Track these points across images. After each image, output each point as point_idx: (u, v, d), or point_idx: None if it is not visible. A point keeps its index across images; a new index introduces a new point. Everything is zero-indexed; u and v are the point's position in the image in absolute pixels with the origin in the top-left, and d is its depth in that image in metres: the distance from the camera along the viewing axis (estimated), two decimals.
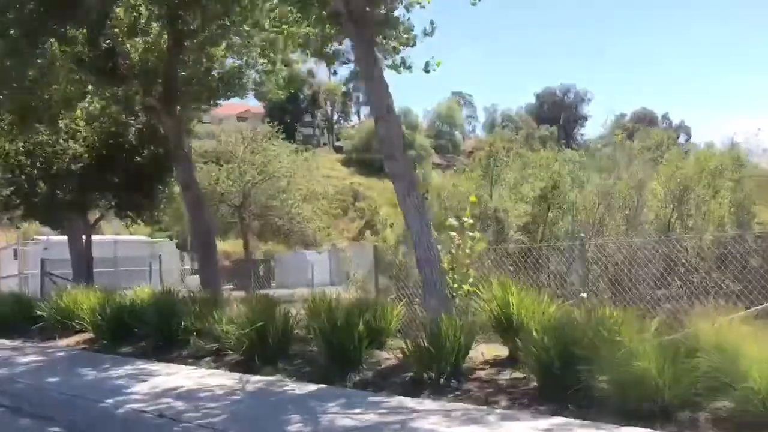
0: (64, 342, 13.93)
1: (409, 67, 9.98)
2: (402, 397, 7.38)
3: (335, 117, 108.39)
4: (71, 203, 17.04)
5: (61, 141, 16.76)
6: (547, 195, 22.98)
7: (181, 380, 9.04)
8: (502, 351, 8.83)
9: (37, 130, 16.40)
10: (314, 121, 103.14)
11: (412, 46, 10.16)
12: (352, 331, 8.94)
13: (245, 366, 9.69)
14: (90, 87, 14.44)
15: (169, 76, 13.30)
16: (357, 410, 6.91)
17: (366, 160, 73.75)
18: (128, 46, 13.14)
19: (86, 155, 16.64)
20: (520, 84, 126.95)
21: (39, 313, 14.78)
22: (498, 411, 6.58)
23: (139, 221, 19.13)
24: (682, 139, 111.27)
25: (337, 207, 49.76)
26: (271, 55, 12.46)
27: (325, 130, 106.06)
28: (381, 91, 9.42)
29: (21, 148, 16.71)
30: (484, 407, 6.78)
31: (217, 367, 10.08)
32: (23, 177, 16.31)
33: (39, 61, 13.17)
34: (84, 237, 18.74)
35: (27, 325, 15.31)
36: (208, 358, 10.63)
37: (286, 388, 8.35)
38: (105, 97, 14.78)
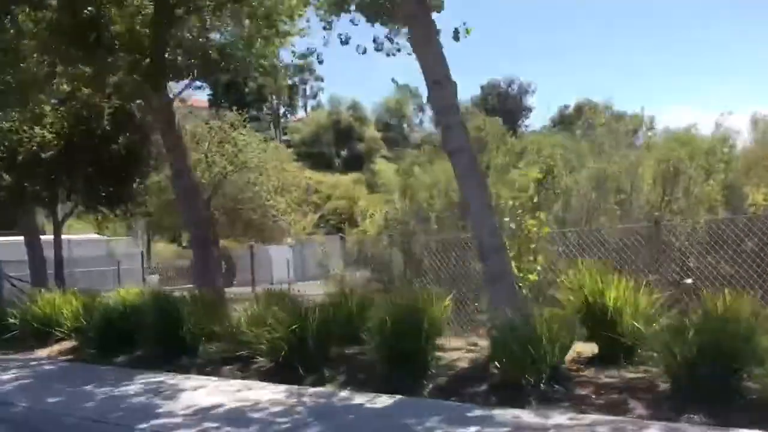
0: (44, 352, 12.26)
1: (467, 32, 8.77)
2: (509, 410, 6.15)
3: (281, 110, 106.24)
4: (39, 196, 15.24)
5: (24, 127, 14.95)
6: (542, 180, 21.90)
7: (217, 396, 7.62)
8: (584, 348, 7.72)
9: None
10: (262, 114, 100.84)
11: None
12: (418, 329, 7.68)
13: (281, 374, 8.34)
14: (59, 67, 12.74)
15: (158, 47, 11.73)
16: (472, 429, 5.65)
17: (314, 154, 72.17)
18: (112, 13, 11.52)
19: (54, 142, 14.85)
20: (464, 76, 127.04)
21: (11, 320, 13.03)
22: (654, 423, 5.41)
23: (112, 216, 17.36)
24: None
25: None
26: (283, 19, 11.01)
27: (271, 124, 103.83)
28: (438, 53, 8.21)
29: None
30: (626, 417, 5.61)
31: (245, 377, 8.70)
32: None
33: (6, 33, 11.50)
34: (52, 236, 16.92)
35: None
36: (228, 367, 9.22)
37: (352, 402, 7.04)
38: (77, 76, 13.07)
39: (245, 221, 26.98)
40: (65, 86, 13.79)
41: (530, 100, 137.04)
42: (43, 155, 14.68)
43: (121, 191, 16.40)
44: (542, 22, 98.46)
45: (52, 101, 14.86)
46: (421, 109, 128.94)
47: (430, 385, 7.25)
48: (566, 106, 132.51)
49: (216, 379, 8.67)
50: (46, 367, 10.48)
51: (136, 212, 18.87)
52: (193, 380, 8.67)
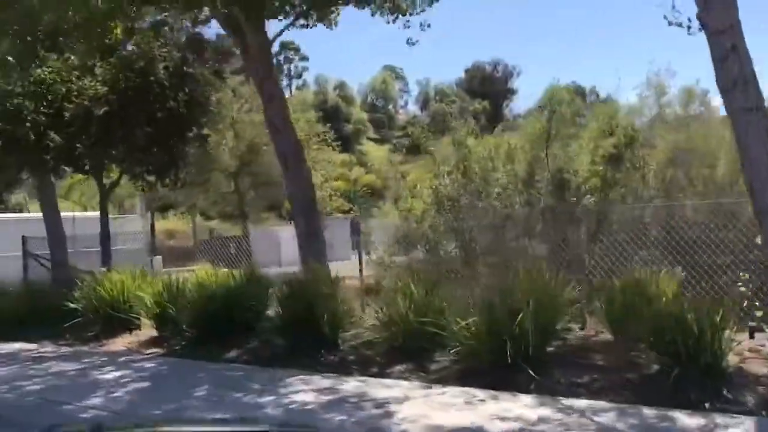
0: (119, 344, 10.17)
1: None
2: None
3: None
4: (91, 159, 12.97)
5: (73, 78, 12.67)
6: (621, 153, 20.14)
7: (452, 413, 5.63)
8: None
9: (46, 61, 12.37)
10: None
11: None
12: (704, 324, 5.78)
13: (492, 378, 6.38)
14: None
15: None
16: None
17: None
18: None
19: (108, 96, 12.58)
20: (449, 58, 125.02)
21: (71, 305, 10.86)
22: None
23: (159, 185, 15.08)
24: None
25: None
26: None
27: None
28: None
29: (21, 89, 12.52)
30: None
31: (438, 380, 6.74)
32: (28, 126, 12.13)
33: None
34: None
35: (44, 323, 11.41)
36: (399, 366, 7.23)
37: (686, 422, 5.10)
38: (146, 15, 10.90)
39: (273, 198, 24.81)
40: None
41: (516, 83, 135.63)
42: (95, 111, 12.41)
43: (174, 157, 14.16)
44: (528, 6, 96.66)
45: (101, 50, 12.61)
46: (406, 90, 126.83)
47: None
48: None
49: (420, 386, 6.64)
50: (147, 365, 8.36)
51: (186, 182, 16.60)
52: (373, 385, 6.66)
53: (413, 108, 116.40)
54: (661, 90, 22.42)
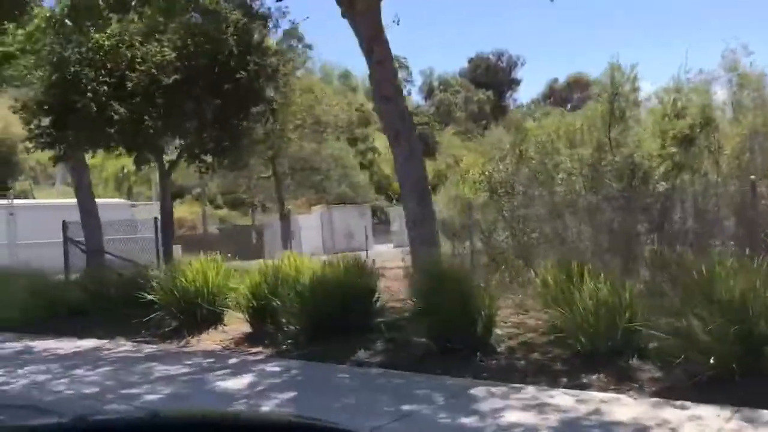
0: (207, 342, 8.89)
1: None
2: None
3: None
4: (157, 134, 11.56)
5: (136, 44, 11.32)
6: (694, 135, 18.90)
7: None
8: None
9: (108, 24, 11.00)
10: None
11: None
12: None
13: (744, 394, 5.10)
14: None
15: None
16: None
17: None
18: None
19: (177, 63, 11.22)
20: (452, 48, 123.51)
21: (148, 296, 9.56)
22: None
23: (218, 165, 13.71)
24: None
25: None
26: None
27: None
28: None
29: (79, 55, 11.15)
30: None
31: (700, 398, 5.39)
32: (90, 96, 10.76)
33: None
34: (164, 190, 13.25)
35: (108, 316, 10.14)
36: (593, 375, 5.96)
37: None
38: None
39: (313, 183, 23.44)
40: None
41: (519, 73, 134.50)
42: (164, 80, 11.06)
43: (238, 135, 12.82)
44: None
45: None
46: (410, 80, 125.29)
47: None
48: (555, 80, 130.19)
49: (624, 398, 5.37)
50: (268, 368, 7.05)
51: (248, 163, 15.26)
52: (590, 400, 5.36)
53: (417, 98, 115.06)
54: (735, 69, 21.20)
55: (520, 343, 7.10)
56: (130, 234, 24.10)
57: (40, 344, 9.27)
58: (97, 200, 30.17)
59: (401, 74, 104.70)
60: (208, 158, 13.40)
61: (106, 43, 11.40)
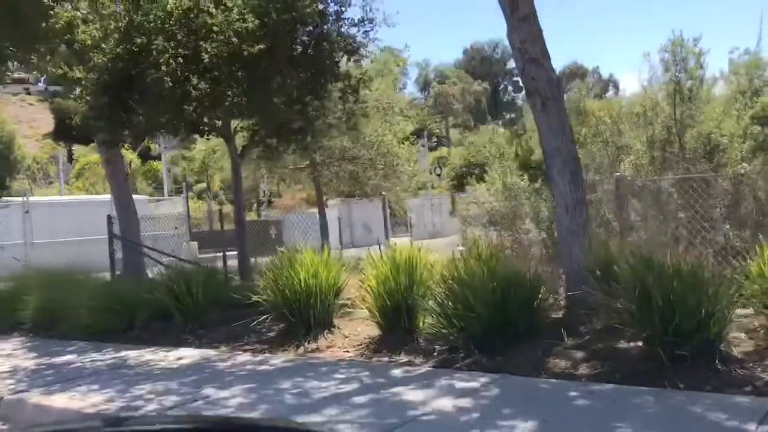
0: (336, 349, 7.57)
1: None
2: None
3: None
4: (240, 112, 10.14)
5: (213, 10, 9.92)
6: None
7: None
8: None
9: None
10: None
11: None
12: None
13: None
14: None
15: None
16: None
17: None
18: None
19: (258, 33, 9.83)
20: (446, 39, 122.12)
21: (255, 298, 8.25)
22: None
23: (282, 153, 12.32)
24: (611, 92, 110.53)
25: None
26: None
27: None
28: None
29: (147, 24, 9.75)
30: None
31: None
32: (164, 70, 9.36)
33: None
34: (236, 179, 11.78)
35: (196, 320, 8.86)
36: None
37: None
38: None
39: (351, 174, 21.99)
40: None
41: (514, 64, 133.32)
42: (246, 50, 9.68)
43: (316, 114, 11.47)
44: None
45: None
46: (404, 72, 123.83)
47: None
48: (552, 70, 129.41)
49: None
50: (452, 383, 5.70)
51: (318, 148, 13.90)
52: None
53: (413, 90, 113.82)
54: None
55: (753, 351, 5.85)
56: (167, 230, 22.71)
57: (131, 355, 7.93)
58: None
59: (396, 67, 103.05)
60: (272, 141, 12.05)
61: (177, 11, 9.99)
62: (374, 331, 7.81)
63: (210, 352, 7.80)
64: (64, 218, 25.16)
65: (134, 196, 28.39)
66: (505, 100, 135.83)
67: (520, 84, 7.57)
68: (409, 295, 7.45)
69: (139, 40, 9.74)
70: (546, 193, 15.52)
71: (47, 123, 70.58)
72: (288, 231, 31.73)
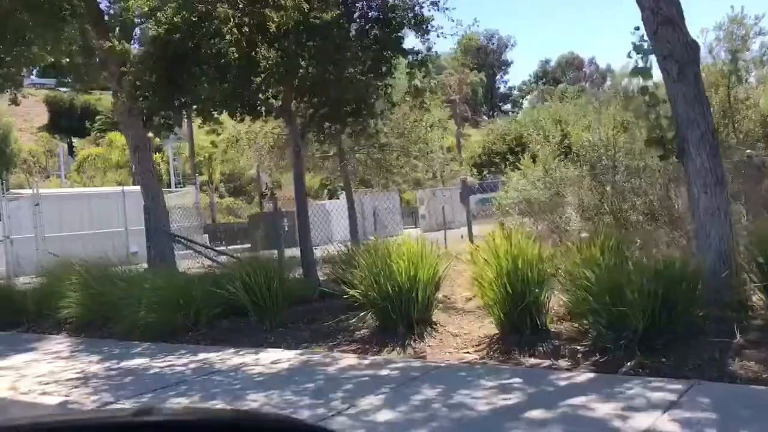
0: (451, 350, 6.68)
1: None
2: None
3: None
4: (315, 85, 9.15)
5: None
6: None
7: None
8: None
9: None
10: None
11: None
12: None
13: None
14: None
15: None
16: None
17: None
18: None
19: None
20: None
21: (352, 292, 7.34)
22: None
23: (341, 134, 11.35)
24: (608, 83, 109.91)
25: None
26: None
27: None
28: None
29: None
30: None
31: None
32: (229, 39, 8.37)
33: None
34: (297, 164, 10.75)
35: (273, 317, 7.93)
36: None
37: None
38: None
39: (377, 162, 21.01)
40: None
41: (509, 55, 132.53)
42: (316, 18, 8.70)
43: (379, 93, 10.53)
44: None
45: None
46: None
47: None
48: (547, 61, 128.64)
49: None
50: (661, 395, 4.76)
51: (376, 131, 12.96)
52: None
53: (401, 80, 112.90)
54: None
55: None
56: (181, 222, 21.70)
57: (213, 358, 6.97)
58: (129, 188, 27.79)
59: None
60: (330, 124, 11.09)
61: None
62: (487, 329, 6.93)
63: (308, 355, 6.86)
64: (75, 211, 24.12)
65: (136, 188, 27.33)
66: (500, 91, 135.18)
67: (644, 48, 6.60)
68: (534, 289, 6.55)
69: (200, 7, 8.75)
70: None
71: (41, 116, 69.19)
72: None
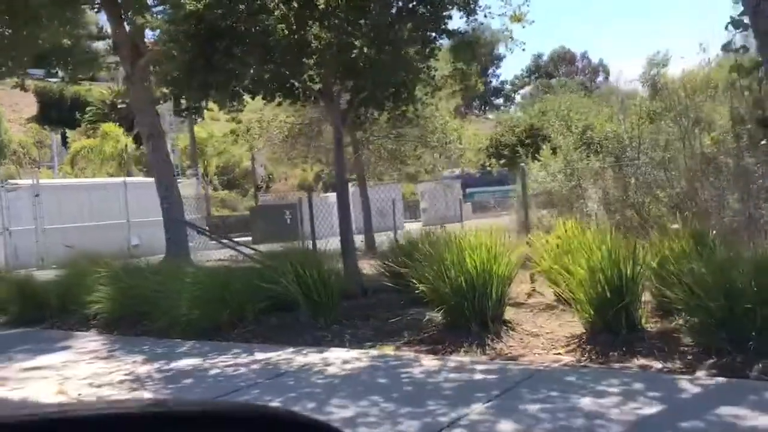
0: (539, 350, 6.11)
1: None
2: None
3: None
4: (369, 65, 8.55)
5: None
6: None
7: None
8: None
9: None
10: None
11: None
12: None
13: None
14: None
15: None
16: None
17: None
18: None
19: None
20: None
21: (421, 287, 6.78)
22: None
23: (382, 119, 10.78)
24: (601, 78, 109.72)
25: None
26: None
27: None
28: None
29: None
30: None
31: None
32: (276, 17, 7.76)
33: None
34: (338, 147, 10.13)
35: (323, 313, 7.38)
36: None
37: None
38: None
39: (391, 152, 20.41)
40: None
41: (501, 48, 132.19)
42: None
43: (422, 77, 9.98)
44: None
45: None
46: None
47: None
48: (540, 55, 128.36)
49: None
50: None
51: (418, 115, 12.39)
52: None
53: None
54: None
55: None
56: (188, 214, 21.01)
57: (273, 358, 6.39)
58: (130, 179, 27.04)
59: None
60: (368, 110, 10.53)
61: None
62: (570, 328, 6.41)
63: (373, 354, 6.30)
64: (75, 202, 23.40)
65: (146, 179, 26.62)
66: (492, 85, 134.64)
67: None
68: (629, 286, 6.02)
69: None
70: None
71: (30, 107, 67.97)
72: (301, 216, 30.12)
